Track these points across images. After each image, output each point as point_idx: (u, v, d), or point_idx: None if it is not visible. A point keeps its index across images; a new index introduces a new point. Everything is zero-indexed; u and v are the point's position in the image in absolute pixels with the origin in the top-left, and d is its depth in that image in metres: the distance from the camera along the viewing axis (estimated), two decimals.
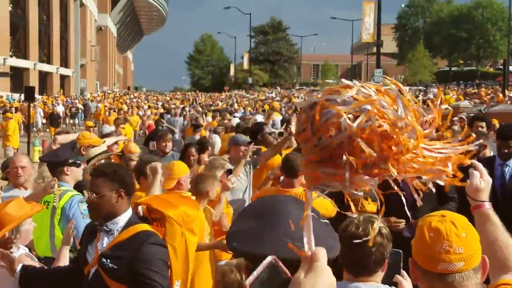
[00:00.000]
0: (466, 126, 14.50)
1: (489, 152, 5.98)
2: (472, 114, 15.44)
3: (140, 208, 3.25)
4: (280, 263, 1.23)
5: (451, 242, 1.70)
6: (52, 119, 24.78)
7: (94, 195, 2.91)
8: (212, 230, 4.76)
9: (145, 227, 3.00)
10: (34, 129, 24.89)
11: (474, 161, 2.32)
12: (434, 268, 1.72)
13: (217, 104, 34.35)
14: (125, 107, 28.42)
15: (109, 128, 11.14)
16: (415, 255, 1.80)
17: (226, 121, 14.19)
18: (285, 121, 11.93)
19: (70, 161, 4.07)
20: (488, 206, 2.17)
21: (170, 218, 3.30)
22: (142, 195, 4.55)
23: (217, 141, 10.73)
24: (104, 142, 5.68)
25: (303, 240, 1.37)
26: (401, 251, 2.50)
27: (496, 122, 13.39)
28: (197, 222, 3.47)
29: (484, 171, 2.28)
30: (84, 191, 4.82)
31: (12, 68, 47.11)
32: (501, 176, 5.49)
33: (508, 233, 2.12)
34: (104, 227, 2.96)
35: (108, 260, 2.84)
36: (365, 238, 2.29)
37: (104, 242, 2.94)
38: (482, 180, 2.23)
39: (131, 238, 2.87)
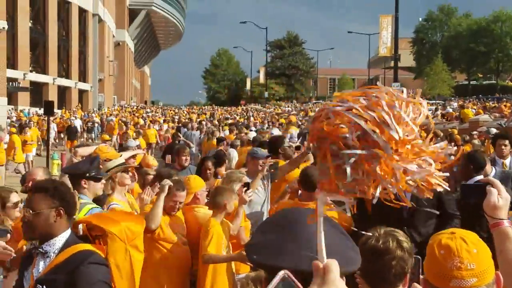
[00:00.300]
0: (486, 140, 14.35)
1: (490, 169, 5.82)
2: (492, 128, 15.26)
3: (80, 226, 3.09)
4: (293, 278, 1.21)
5: (462, 259, 1.69)
6: (69, 133, 25.03)
7: (30, 211, 2.68)
8: (230, 243, 4.75)
9: (84, 246, 2.77)
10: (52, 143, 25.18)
11: (491, 178, 2.28)
12: (446, 285, 1.71)
13: (234, 118, 34.44)
14: (141, 121, 28.66)
15: (134, 142, 11.15)
16: (427, 273, 1.79)
17: (243, 135, 14.19)
18: (302, 135, 11.91)
19: (89, 174, 4.06)
20: (507, 224, 2.12)
21: (112, 234, 3.09)
22: None
23: (234, 155, 10.73)
24: (121, 156, 5.68)
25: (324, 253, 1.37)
26: (419, 256, 2.43)
27: None
28: (141, 238, 3.31)
29: (502, 188, 2.23)
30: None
31: (32, 83, 47.83)
32: None
33: None
34: (39, 250, 2.73)
35: (44, 286, 2.62)
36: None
37: (40, 266, 2.72)
38: (500, 198, 2.18)
39: (69, 260, 2.65)
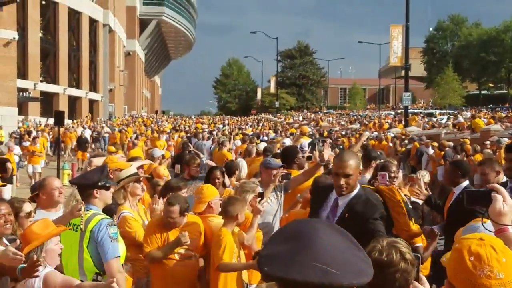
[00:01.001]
0: (497, 150, 14.25)
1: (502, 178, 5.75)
2: (503, 138, 15.16)
3: None
4: None
5: (492, 267, 1.70)
6: (80, 143, 25.16)
7: None
8: (242, 253, 4.76)
9: None
10: (63, 153, 25.28)
11: (496, 185, 2.32)
12: None
13: (246, 128, 34.47)
14: (149, 132, 28.73)
15: (159, 151, 11.13)
16: (453, 277, 1.78)
17: (252, 145, 14.16)
18: (312, 145, 11.88)
19: (100, 184, 4.06)
20: (511, 229, 2.18)
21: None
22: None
23: (244, 165, 10.69)
24: (131, 166, 5.70)
25: (335, 265, 1.40)
26: (419, 255, 2.47)
27: None
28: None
29: (507, 194, 2.29)
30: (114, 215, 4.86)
31: (42, 93, 48.29)
32: None
33: None
34: None
35: None
36: None
37: None
38: (505, 204, 2.24)
39: None
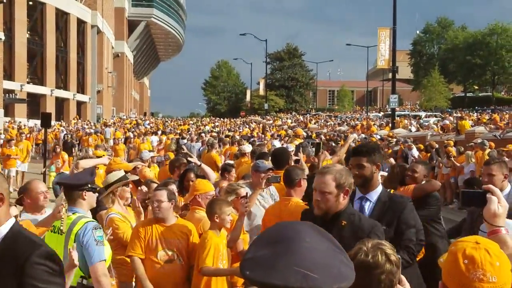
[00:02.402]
0: (482, 152, 14.42)
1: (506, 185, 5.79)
2: (486, 140, 15.35)
3: None
4: None
5: (485, 271, 1.71)
6: (65, 146, 24.85)
7: None
8: (230, 255, 4.77)
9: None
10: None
11: (492, 186, 2.32)
12: None
13: (235, 130, 34.43)
14: (130, 135, 28.52)
15: (148, 153, 11.14)
16: (446, 279, 1.79)
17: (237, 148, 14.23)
18: (297, 147, 11.95)
19: (89, 186, 4.09)
20: (504, 231, 2.19)
21: None
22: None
23: None
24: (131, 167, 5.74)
25: (315, 269, 1.40)
26: (399, 256, 2.48)
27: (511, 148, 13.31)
28: None
29: (501, 196, 2.30)
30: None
31: (29, 94, 47.83)
32: None
33: None
34: None
35: None
36: None
37: None
38: (500, 206, 2.25)
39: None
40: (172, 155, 10.99)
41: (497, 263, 1.71)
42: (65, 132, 31.64)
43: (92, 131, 32.34)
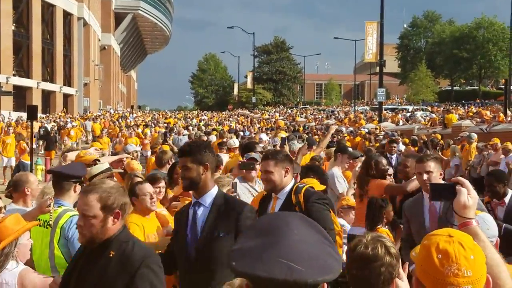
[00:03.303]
0: (468, 145, 14.56)
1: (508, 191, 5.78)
2: (473, 133, 15.49)
3: None
4: None
5: (459, 265, 1.66)
6: (48, 143, 24.59)
7: None
8: None
9: None
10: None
11: (461, 178, 2.31)
12: None
13: (224, 124, 34.38)
14: (117, 129, 28.32)
15: (133, 146, 11.12)
16: (420, 274, 1.76)
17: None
18: (283, 140, 12.01)
19: (82, 178, 4.09)
20: (475, 223, 2.16)
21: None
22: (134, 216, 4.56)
23: (223, 159, 10.75)
24: (99, 161, 5.68)
25: (301, 262, 1.38)
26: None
27: (497, 141, 13.42)
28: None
29: (471, 188, 2.28)
30: None
31: (15, 87, 47.40)
32: None
33: (495, 250, 2.10)
34: None
35: None
36: None
37: None
38: (469, 197, 2.23)
39: None
40: (166, 148, 10.98)
41: (471, 256, 1.68)
42: (45, 126, 31.25)
43: (71, 124, 32.12)
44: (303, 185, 4.09)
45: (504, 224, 4.96)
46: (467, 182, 2.27)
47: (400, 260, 2.36)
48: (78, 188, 4.03)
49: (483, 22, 69.37)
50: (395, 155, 12.17)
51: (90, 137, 31.91)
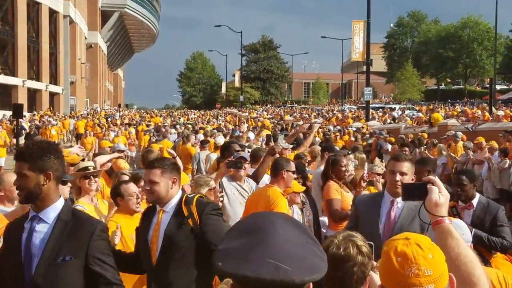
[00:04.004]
0: (454, 144, 14.67)
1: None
2: (459, 132, 15.63)
3: None
4: None
5: (419, 265, 1.67)
6: (28, 138, 24.42)
7: None
8: None
9: None
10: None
11: (432, 177, 2.32)
12: None
13: (213, 123, 34.32)
14: (98, 129, 28.12)
15: (123, 146, 11.08)
16: (383, 280, 1.76)
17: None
18: (268, 137, 12.06)
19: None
20: (447, 221, 2.16)
21: None
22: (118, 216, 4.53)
23: (212, 158, 10.77)
24: (82, 160, 5.64)
25: (287, 261, 1.38)
26: (372, 243, 2.49)
27: (482, 140, 13.54)
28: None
29: (442, 186, 2.29)
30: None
31: (0, 85, 46.95)
32: None
33: (469, 247, 2.11)
34: None
35: None
36: None
37: None
38: (441, 195, 2.23)
39: None
40: (156, 146, 10.96)
41: (429, 255, 1.69)
42: (21, 125, 30.88)
43: (54, 122, 31.82)
44: (193, 194, 3.65)
45: (474, 230, 4.75)
46: (438, 181, 2.28)
47: (372, 258, 2.39)
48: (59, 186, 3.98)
49: (468, 22, 69.95)
50: None
51: (70, 136, 31.67)
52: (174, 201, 3.52)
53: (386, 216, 4.00)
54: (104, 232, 2.96)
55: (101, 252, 2.87)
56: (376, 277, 2.34)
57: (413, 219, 3.82)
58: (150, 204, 3.70)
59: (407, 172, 4.01)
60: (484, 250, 4.74)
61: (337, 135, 19.18)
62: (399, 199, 3.95)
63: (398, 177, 3.98)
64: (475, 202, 5.15)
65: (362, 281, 2.34)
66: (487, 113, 20.81)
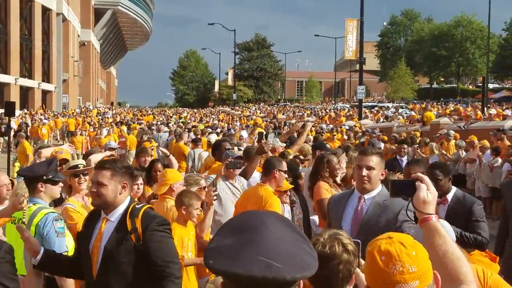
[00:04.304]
0: (447, 142, 14.73)
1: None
2: (451, 131, 15.69)
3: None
4: None
5: (403, 263, 1.69)
6: (15, 136, 24.25)
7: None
8: (196, 247, 4.76)
9: None
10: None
11: (420, 174, 2.34)
12: None
13: (207, 122, 34.30)
14: (87, 126, 28.02)
15: (114, 144, 11.10)
16: (369, 280, 1.77)
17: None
18: (260, 134, 12.07)
19: (45, 177, 3.99)
20: (435, 218, 2.17)
21: None
22: None
23: (204, 156, 10.77)
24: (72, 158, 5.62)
25: (278, 259, 1.39)
26: (359, 240, 2.49)
27: (475, 139, 13.60)
28: None
29: (431, 183, 2.30)
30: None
31: None
32: None
33: (456, 244, 2.12)
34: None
35: None
36: None
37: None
38: (429, 193, 2.25)
39: None
40: (148, 145, 10.96)
41: (413, 252, 1.70)
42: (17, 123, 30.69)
43: (46, 121, 31.65)
44: (141, 205, 3.32)
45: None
46: (426, 178, 2.30)
47: (358, 256, 2.40)
48: (45, 186, 3.98)
49: (462, 20, 70.10)
50: (405, 157, 10.92)
51: (58, 134, 31.50)
52: (120, 209, 3.25)
53: (354, 212, 3.89)
54: (8, 253, 2.72)
55: (5, 276, 2.66)
56: (362, 275, 2.36)
57: (380, 214, 3.78)
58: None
59: (374, 166, 3.84)
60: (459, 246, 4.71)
61: (334, 134, 19.16)
62: (367, 196, 3.87)
63: (365, 172, 3.83)
64: (450, 196, 4.99)
65: (348, 279, 2.35)
66: (479, 112, 20.89)
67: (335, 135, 19.08)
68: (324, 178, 5.84)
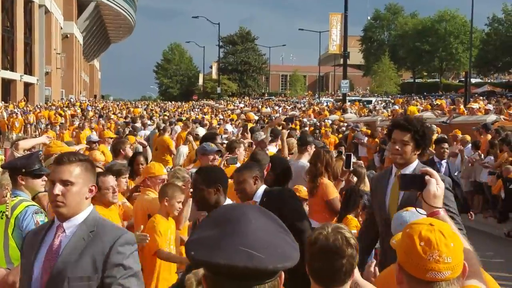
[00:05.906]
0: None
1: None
2: (434, 125, 15.80)
3: None
4: None
5: (441, 252, 1.76)
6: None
7: None
8: (179, 241, 4.79)
9: None
10: None
11: (429, 169, 2.39)
12: (422, 276, 1.78)
13: (190, 115, 34.11)
14: (59, 119, 27.54)
15: (95, 137, 11.02)
16: (403, 261, 1.85)
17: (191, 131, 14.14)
18: (246, 127, 12.09)
19: (25, 170, 3.95)
20: (443, 212, 2.26)
21: None
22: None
23: (184, 151, 10.73)
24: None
25: (260, 249, 1.41)
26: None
27: (458, 133, 13.72)
28: None
29: (439, 178, 2.37)
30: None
31: None
32: None
33: (464, 238, 2.19)
34: None
35: None
36: None
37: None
38: (438, 187, 2.33)
39: None
40: (132, 139, 10.89)
41: (451, 244, 1.78)
42: None
43: (15, 114, 31.13)
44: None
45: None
46: (435, 173, 2.38)
47: (358, 250, 2.41)
48: (26, 179, 3.95)
49: (445, 15, 70.46)
50: (445, 161, 8.77)
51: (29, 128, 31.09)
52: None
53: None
54: None
55: None
56: (357, 271, 2.39)
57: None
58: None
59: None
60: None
61: (329, 130, 18.86)
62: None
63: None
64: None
65: (350, 273, 2.35)
66: (462, 106, 21.06)
67: (329, 130, 18.83)
68: (327, 174, 5.86)
